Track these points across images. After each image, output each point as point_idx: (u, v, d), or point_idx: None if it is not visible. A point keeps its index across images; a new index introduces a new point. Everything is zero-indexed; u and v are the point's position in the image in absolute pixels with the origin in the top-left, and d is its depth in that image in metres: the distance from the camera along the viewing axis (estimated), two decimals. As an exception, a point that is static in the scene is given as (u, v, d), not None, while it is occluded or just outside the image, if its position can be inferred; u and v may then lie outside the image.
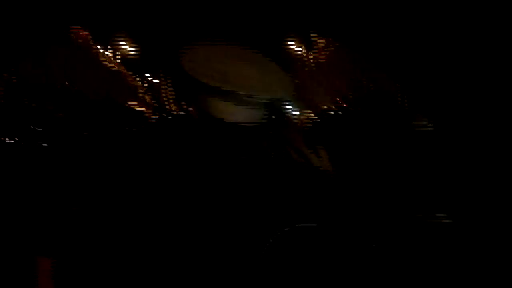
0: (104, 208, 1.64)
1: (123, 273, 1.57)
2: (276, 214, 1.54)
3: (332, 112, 6.72)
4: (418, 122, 3.91)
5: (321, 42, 25.96)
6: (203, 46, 1.69)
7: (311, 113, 12.61)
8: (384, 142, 4.14)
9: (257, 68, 1.63)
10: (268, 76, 1.64)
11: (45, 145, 4.05)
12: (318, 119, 7.69)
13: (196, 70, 1.60)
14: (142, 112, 8.02)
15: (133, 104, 10.55)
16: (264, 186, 1.58)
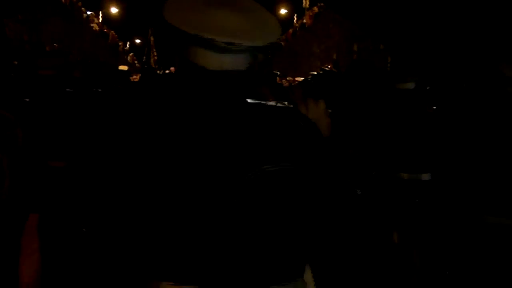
0: (90, 164, 1.62)
1: (112, 227, 1.58)
2: (262, 155, 1.52)
3: (320, 75, 6.67)
4: (401, 83, 3.89)
5: (312, 9, 25.96)
6: None
7: (299, 78, 12.59)
8: (371, 103, 4.13)
9: (240, 13, 1.58)
10: (251, 21, 1.59)
11: (31, 100, 3.99)
12: (304, 80, 7.65)
13: (178, 19, 1.56)
14: (125, 71, 7.94)
15: (116, 63, 10.47)
16: (253, 130, 1.55)
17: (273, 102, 1.61)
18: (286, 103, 1.70)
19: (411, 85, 3.89)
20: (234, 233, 1.56)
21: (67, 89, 4.25)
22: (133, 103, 1.66)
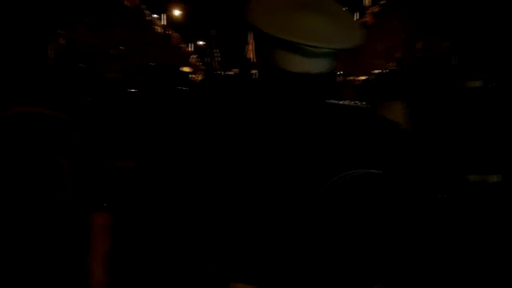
0: (158, 164, 1.65)
1: (176, 232, 1.60)
2: (343, 162, 1.50)
3: (384, 74, 6.57)
4: (470, 82, 3.78)
5: (374, 8, 25.68)
6: None
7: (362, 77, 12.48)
8: (438, 101, 4.03)
9: (325, 16, 1.58)
10: (336, 24, 1.58)
11: (98, 103, 4.08)
12: (370, 79, 7.58)
13: (263, 21, 1.56)
14: (187, 72, 8.07)
15: (180, 66, 10.63)
16: (332, 135, 1.54)
17: (354, 104, 1.59)
18: (364, 104, 1.70)
19: (479, 83, 3.78)
20: (315, 241, 1.55)
21: (132, 90, 4.33)
22: (206, 105, 1.67)
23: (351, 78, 13.64)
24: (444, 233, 1.61)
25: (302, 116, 1.60)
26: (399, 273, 1.80)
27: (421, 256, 1.65)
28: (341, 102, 1.55)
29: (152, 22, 25.89)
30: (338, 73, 10.46)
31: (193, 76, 11.86)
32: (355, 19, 1.68)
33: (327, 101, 1.63)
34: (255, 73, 1.71)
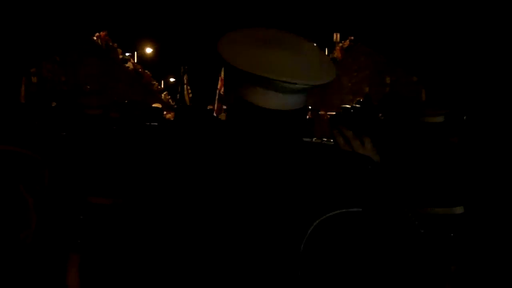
0: (138, 203, 1.62)
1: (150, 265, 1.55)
2: (320, 200, 1.50)
3: (354, 109, 6.67)
4: (431, 117, 3.88)
5: (343, 43, 25.99)
6: (240, 33, 1.67)
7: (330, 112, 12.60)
8: (402, 137, 4.14)
9: (298, 53, 1.60)
10: (309, 60, 1.61)
11: (70, 139, 4.08)
12: (338, 114, 7.66)
13: (237, 57, 1.57)
14: (159, 108, 8.06)
15: (151, 102, 10.63)
16: (306, 171, 1.54)
17: (327, 141, 1.61)
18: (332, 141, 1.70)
19: (440, 119, 3.88)
20: (302, 285, 1.50)
21: (113, 127, 4.34)
22: (179, 142, 1.66)
23: (321, 113, 13.77)
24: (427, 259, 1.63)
25: (278, 154, 1.60)
26: None
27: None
28: (313, 139, 1.57)
29: (123, 60, 25.91)
30: (308, 107, 10.53)
31: (165, 113, 11.88)
32: (325, 55, 1.70)
33: (301, 138, 1.64)
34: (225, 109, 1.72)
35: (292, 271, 1.49)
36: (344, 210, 1.53)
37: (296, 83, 1.58)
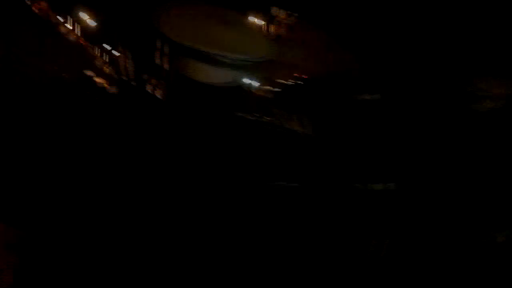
0: (66, 173, 1.53)
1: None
2: (257, 174, 1.45)
3: (293, 84, 6.76)
4: (362, 94, 4.00)
5: (282, 15, 25.98)
6: (179, 7, 1.53)
7: (269, 87, 12.63)
8: (335, 113, 4.24)
9: (236, 29, 1.48)
10: (248, 37, 1.50)
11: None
12: (279, 90, 7.74)
13: (172, 30, 1.45)
14: (101, 83, 7.94)
15: (91, 75, 10.41)
16: (243, 146, 1.47)
17: (261, 116, 1.51)
18: (271, 117, 1.64)
19: (375, 96, 3.98)
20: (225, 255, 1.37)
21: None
22: (114, 115, 1.53)
23: (264, 89, 13.80)
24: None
25: (211, 128, 1.53)
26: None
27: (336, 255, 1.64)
28: (249, 116, 1.52)
29: (65, 32, 25.24)
30: (251, 84, 10.59)
31: (107, 85, 11.68)
32: (267, 32, 1.58)
33: (236, 113, 1.57)
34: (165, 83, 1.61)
35: (220, 236, 1.42)
36: (274, 183, 1.49)
37: (235, 58, 1.47)
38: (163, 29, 1.45)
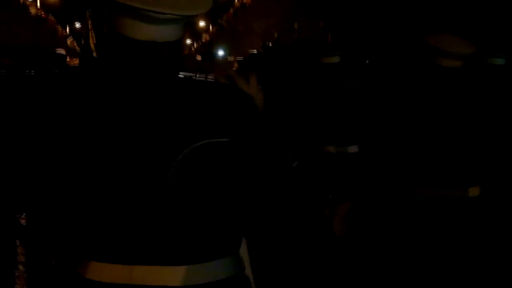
0: (27, 146, 1.61)
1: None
2: (189, 131, 1.54)
3: (261, 53, 6.74)
4: (326, 58, 4.01)
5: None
6: None
7: (234, 57, 12.61)
8: (301, 78, 4.25)
9: None
10: None
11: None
12: (243, 58, 7.73)
13: None
14: (63, 54, 7.83)
15: (56, 48, 10.29)
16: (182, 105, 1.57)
17: (204, 77, 1.63)
18: (217, 78, 1.73)
19: (335, 59, 4.01)
20: (170, 210, 1.55)
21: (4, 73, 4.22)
22: (66, 85, 1.64)
23: (232, 57, 13.77)
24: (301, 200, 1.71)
25: (150, 87, 1.61)
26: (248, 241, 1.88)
27: (270, 221, 1.73)
28: (196, 76, 1.59)
29: (25, 5, 24.78)
30: (217, 51, 10.58)
31: (71, 60, 11.54)
32: None
33: (179, 74, 1.65)
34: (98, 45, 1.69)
35: (160, 196, 1.55)
36: (213, 139, 1.59)
37: (164, 13, 1.57)
38: None
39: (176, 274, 1.57)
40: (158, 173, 1.52)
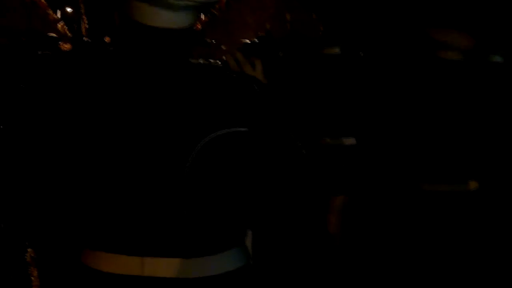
0: (29, 129, 1.59)
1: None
2: (206, 121, 1.52)
3: (254, 44, 6.71)
4: (327, 49, 3.99)
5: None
6: None
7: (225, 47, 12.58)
8: (301, 70, 4.22)
9: None
10: None
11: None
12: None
13: None
14: (54, 38, 7.74)
15: (47, 32, 10.18)
16: (194, 92, 1.55)
17: (219, 63, 1.60)
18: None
19: (336, 50, 3.99)
20: (186, 201, 1.53)
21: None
22: (71, 69, 1.61)
23: (224, 49, 13.70)
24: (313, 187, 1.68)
25: (167, 74, 1.59)
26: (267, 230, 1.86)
27: (291, 209, 1.71)
28: (212, 63, 1.56)
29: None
30: (211, 41, 10.49)
31: (61, 43, 11.42)
32: None
33: (190, 59, 1.63)
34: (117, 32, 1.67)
35: (177, 185, 1.53)
36: (231, 129, 1.57)
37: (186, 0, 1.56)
38: None
39: (187, 266, 1.55)
40: (175, 163, 1.53)
